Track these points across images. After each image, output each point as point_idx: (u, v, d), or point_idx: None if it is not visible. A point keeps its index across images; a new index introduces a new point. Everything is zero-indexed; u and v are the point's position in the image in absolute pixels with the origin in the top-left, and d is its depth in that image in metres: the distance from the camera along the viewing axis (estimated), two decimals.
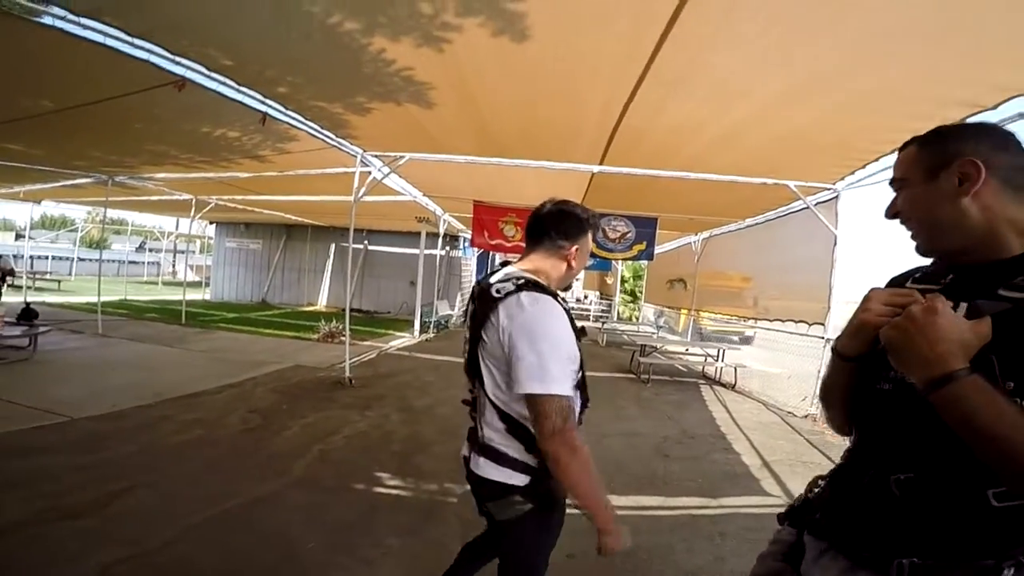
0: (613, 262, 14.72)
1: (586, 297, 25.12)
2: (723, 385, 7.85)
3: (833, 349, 1.02)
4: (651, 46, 2.93)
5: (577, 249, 1.49)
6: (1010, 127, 0.96)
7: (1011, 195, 0.86)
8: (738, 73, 3.23)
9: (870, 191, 5.53)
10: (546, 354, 1.25)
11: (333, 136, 5.22)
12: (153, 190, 9.44)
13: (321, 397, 5.57)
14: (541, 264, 1.49)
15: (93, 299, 10.01)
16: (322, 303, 15.77)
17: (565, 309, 1.37)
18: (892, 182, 0.99)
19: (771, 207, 7.32)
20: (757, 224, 8.14)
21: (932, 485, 0.85)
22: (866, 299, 0.93)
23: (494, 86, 3.75)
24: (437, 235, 11.48)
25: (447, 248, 14.78)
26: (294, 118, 4.65)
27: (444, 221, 10.87)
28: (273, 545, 2.63)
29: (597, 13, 2.67)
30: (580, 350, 1.39)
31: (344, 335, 7.16)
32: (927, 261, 1.02)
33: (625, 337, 10.32)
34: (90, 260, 25.30)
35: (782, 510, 1.20)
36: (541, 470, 1.36)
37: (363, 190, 6.16)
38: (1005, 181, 0.86)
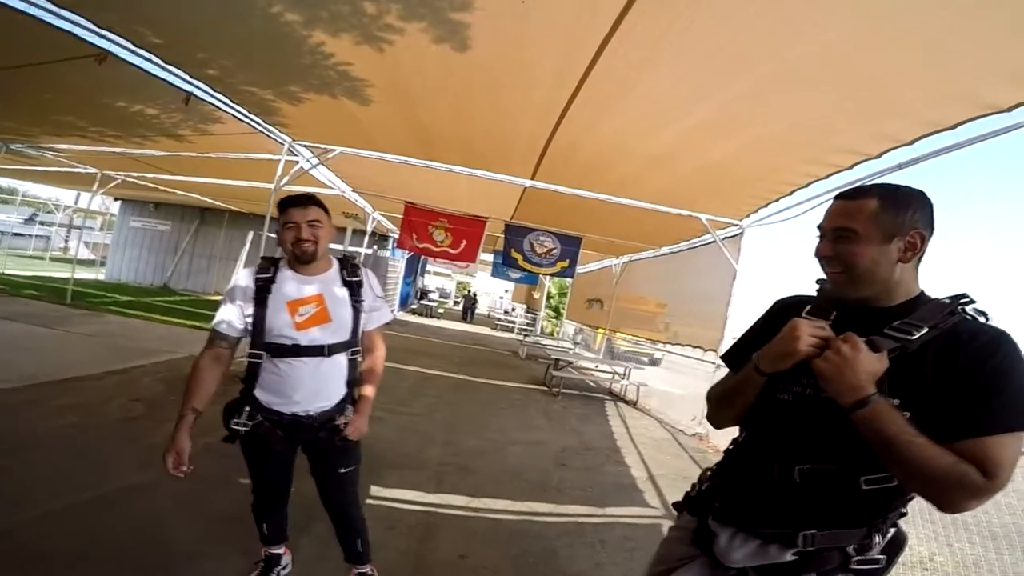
0: (540, 277, 15.09)
1: (513, 309, 25.43)
2: (626, 402, 8.24)
3: (754, 366, 1.17)
4: (584, 64, 3.06)
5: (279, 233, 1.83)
6: (888, 177, 1.19)
7: (916, 262, 1.11)
8: (662, 102, 3.44)
9: (769, 230, 6.07)
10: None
11: (261, 122, 5.05)
12: (52, 160, 8.57)
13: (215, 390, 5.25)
14: None
15: None
16: None
17: (260, 279, 1.77)
18: (840, 229, 1.09)
19: (685, 238, 7.83)
20: (672, 253, 8.69)
21: (824, 474, 1.08)
22: (794, 329, 1.09)
23: (433, 90, 3.82)
24: (364, 232, 11.23)
25: (374, 247, 14.47)
26: (222, 100, 4.47)
27: (373, 219, 10.68)
28: (142, 534, 2.50)
29: (537, 30, 2.80)
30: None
31: None
32: (795, 291, 1.27)
33: (545, 351, 10.58)
34: None
35: (679, 499, 1.39)
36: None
37: (286, 179, 5.96)
38: (924, 253, 1.10)
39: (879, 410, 0.98)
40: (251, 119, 4.94)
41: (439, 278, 30.50)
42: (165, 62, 3.74)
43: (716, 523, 1.22)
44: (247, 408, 1.78)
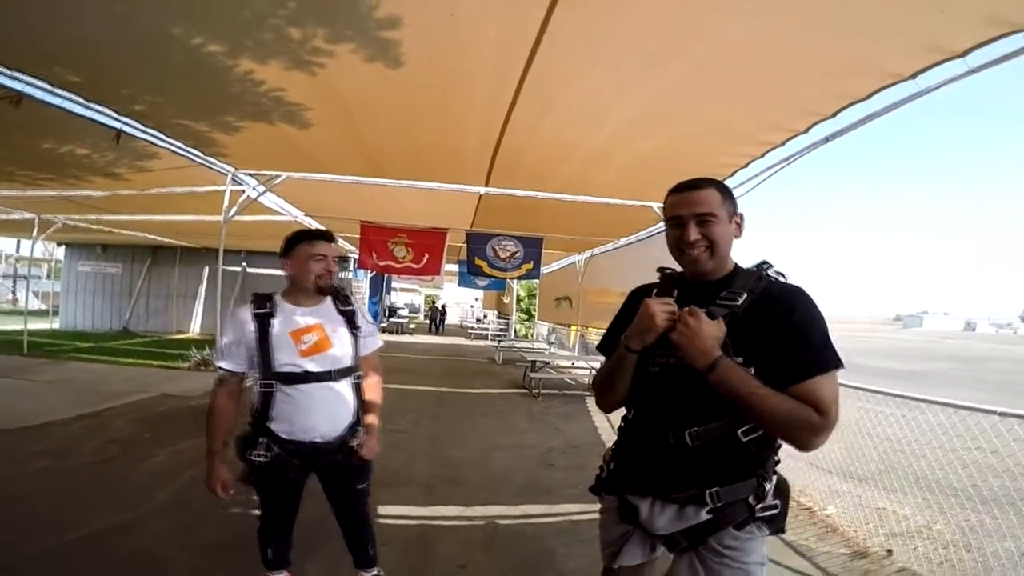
0: (508, 281, 15.11)
1: (485, 316, 25.43)
2: None
3: (625, 346, 1.32)
4: (520, 67, 3.07)
5: (289, 262, 1.94)
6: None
7: None
8: (597, 98, 3.48)
9: None
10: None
11: (200, 154, 4.88)
12: None
13: (192, 426, 5.13)
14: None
15: None
16: (195, 330, 14.46)
17: (258, 314, 1.86)
18: (705, 215, 1.27)
19: (641, 228, 7.98)
20: (631, 244, 8.86)
21: (710, 432, 1.22)
22: (648, 307, 1.27)
23: (373, 109, 3.78)
24: None
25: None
26: (155, 136, 4.31)
27: None
28: (135, 570, 2.49)
29: (468, 40, 2.79)
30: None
31: None
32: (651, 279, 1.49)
33: (521, 354, 10.61)
34: None
35: (592, 484, 1.50)
36: None
37: (234, 209, 5.79)
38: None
39: (725, 370, 1.16)
40: (189, 152, 4.77)
41: (407, 294, 30.17)
42: (88, 100, 3.58)
43: (633, 497, 1.33)
44: (263, 440, 1.85)
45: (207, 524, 2.96)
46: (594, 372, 9.09)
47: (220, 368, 1.89)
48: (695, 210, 1.27)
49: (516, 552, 2.99)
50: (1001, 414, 2.78)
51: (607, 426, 6.27)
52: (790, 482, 1.36)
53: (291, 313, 1.89)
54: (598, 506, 1.49)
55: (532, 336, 17.43)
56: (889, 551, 3.16)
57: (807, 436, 1.15)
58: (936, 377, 16.04)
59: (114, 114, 3.82)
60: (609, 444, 1.53)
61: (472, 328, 22.04)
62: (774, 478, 1.29)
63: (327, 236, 1.96)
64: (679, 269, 1.43)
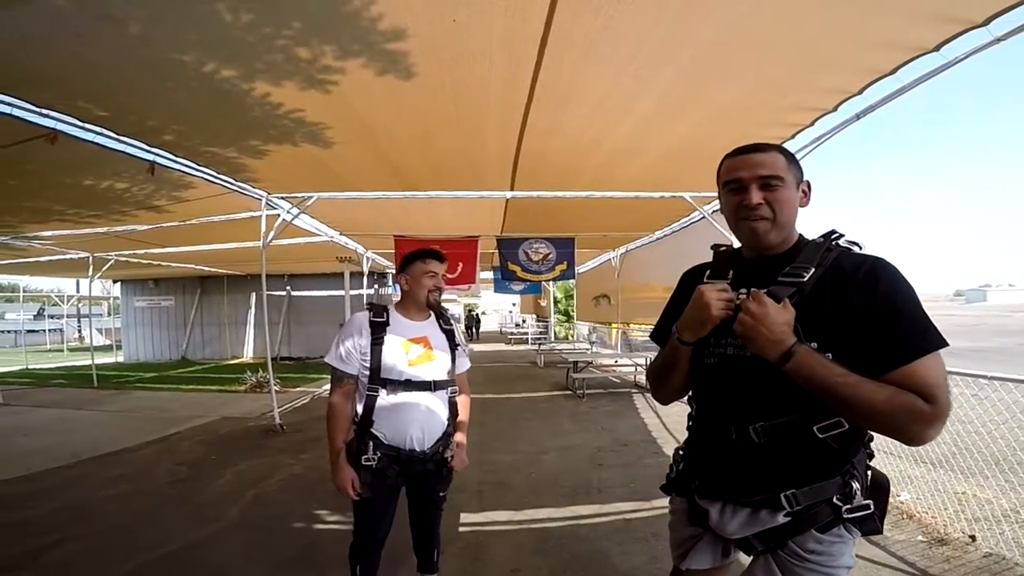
0: (542, 284, 15.03)
1: (524, 321, 25.43)
2: None
3: (677, 338, 1.20)
4: (531, 69, 3.06)
5: (407, 278, 2.09)
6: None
7: None
8: (615, 90, 3.41)
9: None
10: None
11: (233, 181, 5.06)
12: (41, 250, 8.67)
13: (252, 445, 5.43)
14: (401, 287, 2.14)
15: None
16: (248, 354, 15.07)
17: (375, 322, 1.99)
18: (769, 177, 1.13)
19: (676, 218, 7.80)
20: (666, 236, 8.64)
21: (778, 428, 1.10)
22: (701, 296, 1.14)
23: (390, 122, 3.82)
24: (362, 274, 11.27)
25: (375, 286, 14.49)
26: (187, 165, 4.47)
27: (367, 259, 10.70)
28: None
29: (475, 45, 2.77)
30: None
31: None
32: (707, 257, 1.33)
33: (562, 356, 10.52)
34: None
35: (663, 483, 1.39)
36: None
37: (272, 233, 5.99)
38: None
39: (804, 357, 1.01)
40: (222, 179, 4.94)
41: (446, 304, 30.54)
42: (117, 134, 3.72)
43: (703, 500, 1.23)
44: (371, 443, 1.95)
45: (277, 539, 3.16)
46: (640, 369, 8.91)
47: (335, 370, 2.00)
48: (759, 171, 1.13)
49: (568, 553, 2.98)
50: None
51: (657, 422, 6.10)
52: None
53: (403, 324, 2.04)
54: (652, 503, 1.43)
55: (572, 337, 17.25)
56: (972, 537, 2.91)
57: (915, 428, 0.97)
58: (1010, 354, 14.84)
59: (145, 146, 3.97)
60: (660, 440, 1.43)
61: (512, 333, 22.07)
62: (868, 475, 1.15)
63: (438, 256, 2.09)
64: (736, 244, 1.29)
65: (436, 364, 2.03)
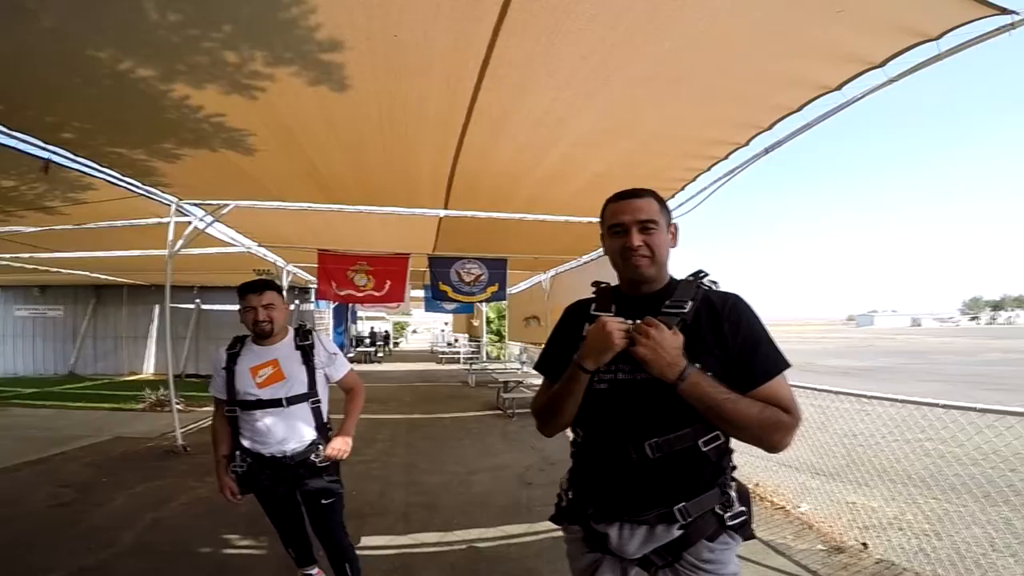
0: (475, 304, 14.99)
1: (456, 340, 25.12)
2: None
3: (579, 366, 1.24)
4: (469, 91, 3.07)
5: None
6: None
7: None
8: (548, 117, 3.48)
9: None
10: None
11: (140, 184, 4.65)
12: None
13: (151, 467, 5.01)
14: None
15: None
16: (148, 371, 13.77)
17: (230, 353, 2.25)
18: (647, 222, 1.27)
19: (601, 243, 8.08)
20: (592, 260, 8.91)
21: (670, 443, 1.20)
22: (604, 326, 1.20)
23: (320, 134, 3.68)
24: (281, 289, 10.69)
25: (296, 302, 13.81)
26: (87, 165, 4.06)
27: (288, 273, 10.17)
28: None
29: (415, 62, 2.74)
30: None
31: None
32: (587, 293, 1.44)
33: (494, 376, 10.49)
34: None
35: (552, 514, 1.43)
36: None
37: (181, 242, 5.55)
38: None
39: (695, 378, 1.14)
40: (126, 182, 4.52)
41: (374, 322, 29.62)
42: (9, 128, 3.37)
43: (600, 524, 1.28)
44: (238, 453, 2.21)
45: (180, 565, 3.03)
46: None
47: (214, 396, 2.29)
48: (638, 216, 1.27)
49: (499, 573, 2.98)
50: (944, 407, 2.92)
51: None
52: (762, 482, 1.34)
53: (253, 351, 2.24)
54: None
55: (504, 357, 17.30)
56: (864, 544, 3.18)
57: (781, 436, 1.16)
58: (890, 372, 16.70)
59: (40, 143, 3.60)
60: None
61: (443, 352, 21.74)
62: (734, 484, 1.28)
63: (253, 288, 2.23)
64: (613, 283, 1.41)
65: (288, 382, 2.19)
